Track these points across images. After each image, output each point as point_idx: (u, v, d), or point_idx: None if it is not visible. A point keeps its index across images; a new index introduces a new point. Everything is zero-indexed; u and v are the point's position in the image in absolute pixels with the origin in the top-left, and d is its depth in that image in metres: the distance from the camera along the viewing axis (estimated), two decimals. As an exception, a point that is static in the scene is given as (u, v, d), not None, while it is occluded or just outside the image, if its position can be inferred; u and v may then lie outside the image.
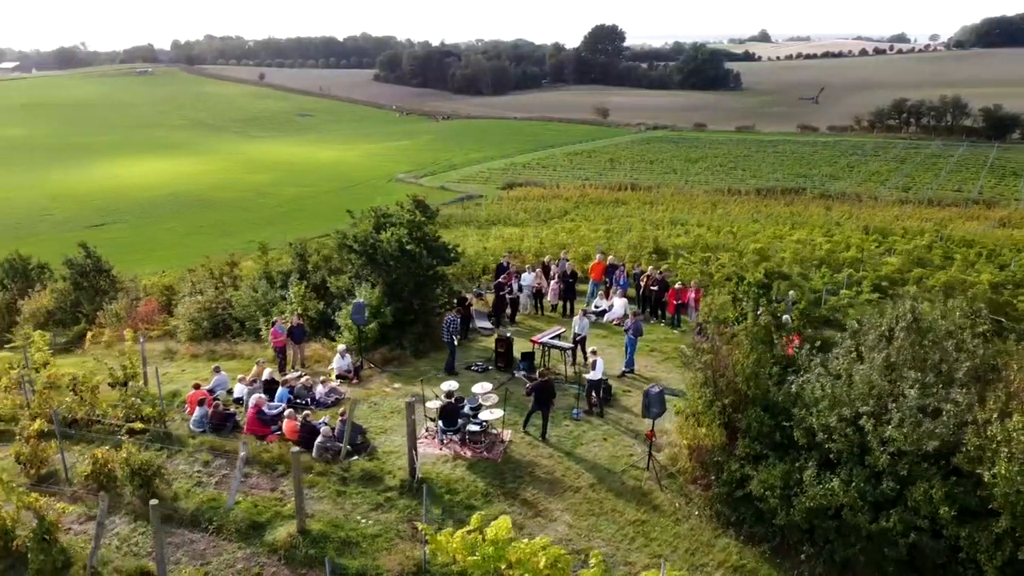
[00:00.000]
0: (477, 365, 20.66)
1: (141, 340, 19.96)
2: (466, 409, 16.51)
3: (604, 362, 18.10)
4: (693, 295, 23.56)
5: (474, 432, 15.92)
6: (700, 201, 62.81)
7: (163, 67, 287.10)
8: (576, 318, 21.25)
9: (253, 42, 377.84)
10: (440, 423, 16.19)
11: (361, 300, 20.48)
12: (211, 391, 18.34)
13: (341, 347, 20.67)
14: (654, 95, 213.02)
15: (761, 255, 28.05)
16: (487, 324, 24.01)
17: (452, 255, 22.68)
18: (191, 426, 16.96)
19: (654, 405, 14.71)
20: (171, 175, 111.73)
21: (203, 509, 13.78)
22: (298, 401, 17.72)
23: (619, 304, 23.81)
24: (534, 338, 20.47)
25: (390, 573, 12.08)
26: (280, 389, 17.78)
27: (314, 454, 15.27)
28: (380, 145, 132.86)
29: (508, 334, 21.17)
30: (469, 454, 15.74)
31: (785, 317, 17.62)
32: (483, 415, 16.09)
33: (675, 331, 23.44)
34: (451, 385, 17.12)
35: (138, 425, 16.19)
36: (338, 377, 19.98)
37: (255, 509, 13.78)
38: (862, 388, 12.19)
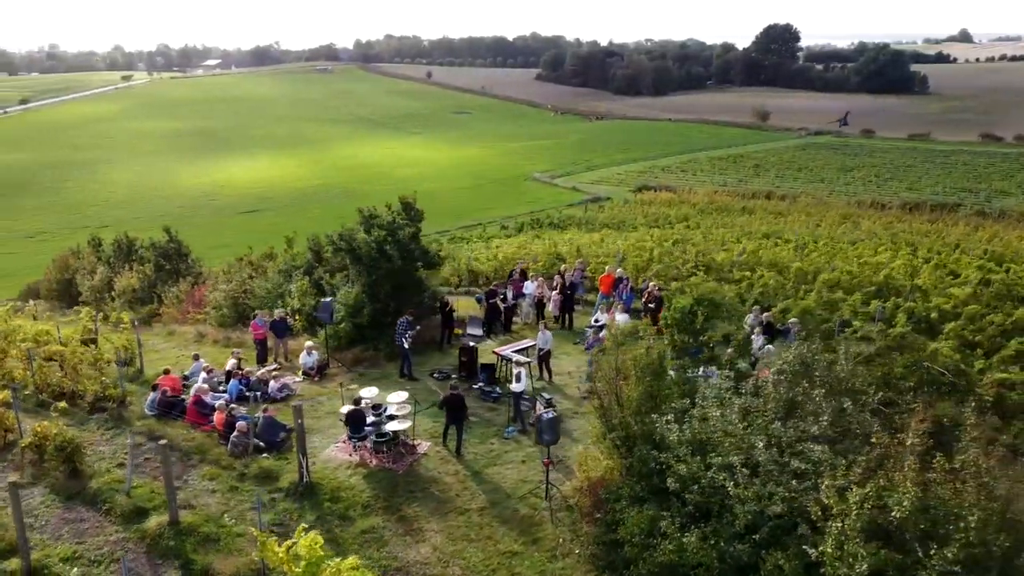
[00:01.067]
0: (440, 372, 19.89)
1: (135, 324, 20.72)
2: (381, 416, 16.00)
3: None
4: None
5: (380, 441, 15.26)
6: (833, 214, 57.70)
7: (342, 65, 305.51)
8: (539, 332, 20.06)
9: (428, 42, 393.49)
10: (347, 429, 15.70)
11: (329, 299, 20.33)
12: (187, 377, 18.70)
13: (308, 344, 20.75)
14: (823, 98, 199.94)
15: (801, 276, 24.86)
16: (478, 331, 23.18)
17: (433, 259, 22.04)
18: (145, 409, 17.33)
19: (545, 432, 13.39)
20: (325, 167, 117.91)
21: (104, 490, 14.01)
22: (249, 394, 17.71)
23: (620, 320, 21.96)
24: (496, 349, 19.46)
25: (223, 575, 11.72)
26: (232, 381, 17.82)
27: (228, 447, 15.13)
28: (525, 144, 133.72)
29: (471, 344, 20.40)
30: (374, 463, 15.17)
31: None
32: (389, 425, 15.44)
33: None
34: (370, 392, 16.61)
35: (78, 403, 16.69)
36: (304, 374, 19.85)
37: (150, 495, 13.90)
38: (717, 434, 10.40)
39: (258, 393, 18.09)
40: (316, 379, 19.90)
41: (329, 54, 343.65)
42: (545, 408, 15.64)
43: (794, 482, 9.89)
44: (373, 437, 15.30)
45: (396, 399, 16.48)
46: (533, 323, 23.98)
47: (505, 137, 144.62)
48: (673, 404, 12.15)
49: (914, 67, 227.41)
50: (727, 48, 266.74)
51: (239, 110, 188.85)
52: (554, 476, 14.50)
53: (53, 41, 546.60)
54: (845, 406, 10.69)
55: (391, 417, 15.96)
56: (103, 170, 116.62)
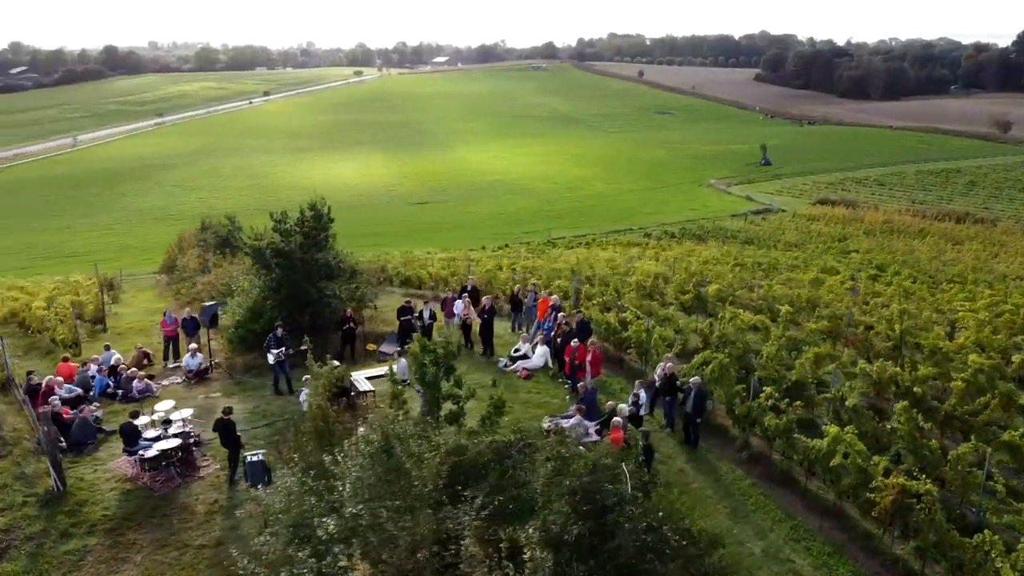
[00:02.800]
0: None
1: (72, 311, 21.13)
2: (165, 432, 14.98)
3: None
4: (589, 356, 17.37)
5: (150, 459, 14.24)
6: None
7: (557, 63, 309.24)
8: (397, 359, 17.95)
9: (650, 40, 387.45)
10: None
11: (212, 303, 19.37)
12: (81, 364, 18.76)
13: (192, 346, 20.24)
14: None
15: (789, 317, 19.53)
16: (389, 349, 21.37)
17: (334, 271, 20.33)
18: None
19: (252, 474, 11.49)
20: (506, 163, 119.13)
21: None
22: (117, 391, 17.29)
23: (538, 353, 18.69)
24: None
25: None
26: (98, 377, 17.45)
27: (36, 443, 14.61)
28: (715, 147, 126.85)
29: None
30: (144, 480, 14.29)
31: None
32: (158, 444, 14.31)
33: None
34: (166, 405, 15.26)
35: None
36: (185, 376, 19.11)
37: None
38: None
39: (120, 391, 17.60)
40: (194, 382, 19.16)
41: (547, 52, 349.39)
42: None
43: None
44: (141, 454, 14.30)
45: (181, 415, 15.19)
46: (464, 346, 21.35)
47: (698, 140, 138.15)
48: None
49: None
50: (980, 48, 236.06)
51: (447, 105, 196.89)
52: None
53: (310, 39, 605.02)
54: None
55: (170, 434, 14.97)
56: (307, 157, 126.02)
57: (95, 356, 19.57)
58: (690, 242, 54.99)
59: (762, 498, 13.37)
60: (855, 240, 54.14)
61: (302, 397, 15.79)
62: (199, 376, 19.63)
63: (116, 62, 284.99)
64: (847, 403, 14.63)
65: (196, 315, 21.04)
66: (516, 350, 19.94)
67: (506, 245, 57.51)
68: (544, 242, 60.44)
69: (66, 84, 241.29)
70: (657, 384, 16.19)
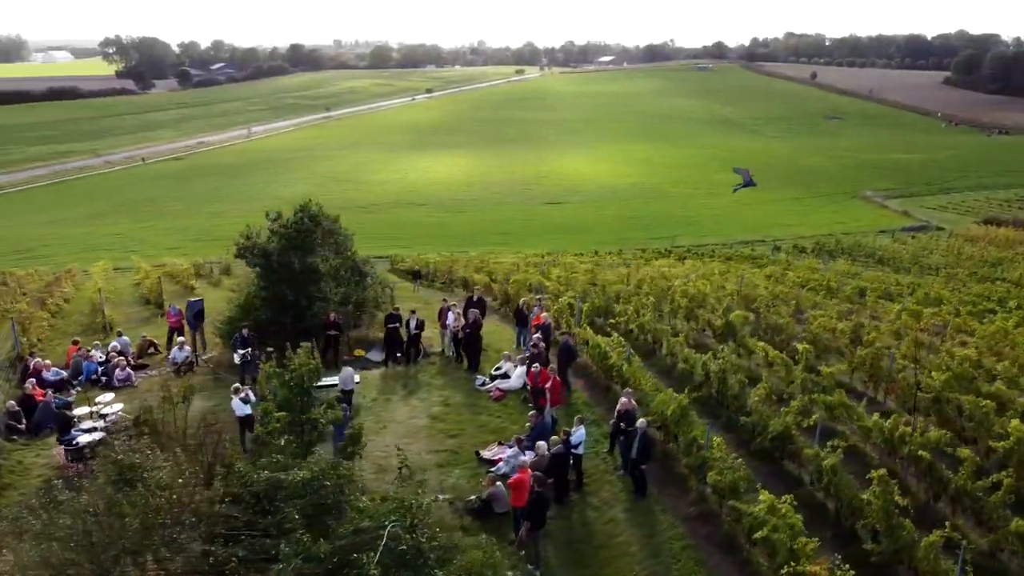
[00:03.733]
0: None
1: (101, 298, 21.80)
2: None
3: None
4: (549, 384, 15.34)
5: (74, 449, 14.06)
6: None
7: (724, 63, 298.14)
8: (344, 368, 16.88)
9: (831, 40, 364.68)
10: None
11: (199, 299, 19.11)
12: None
13: (180, 339, 20.16)
14: None
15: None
16: (376, 356, 20.59)
17: (316, 274, 19.42)
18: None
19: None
20: (650, 165, 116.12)
21: None
22: (102, 378, 17.61)
23: (516, 374, 16.84)
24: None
25: None
26: (85, 363, 17.78)
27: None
28: (880, 156, 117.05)
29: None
30: (71, 470, 13.94)
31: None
32: (82, 437, 14.06)
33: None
34: (106, 397, 15.06)
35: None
36: (176, 367, 19.27)
37: None
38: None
39: (105, 378, 17.85)
40: (182, 374, 19.21)
41: (716, 52, 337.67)
42: None
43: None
44: (65, 445, 14.26)
45: (114, 409, 14.99)
46: (454, 358, 20.52)
47: (865, 148, 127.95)
48: None
49: None
50: None
51: (600, 104, 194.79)
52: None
53: (481, 38, 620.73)
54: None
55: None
56: (453, 153, 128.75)
57: (113, 342, 20.35)
58: (815, 259, 50.62)
59: (692, 564, 11.23)
60: (1013, 266, 47.62)
61: (234, 403, 15.30)
62: (185, 369, 19.77)
63: (299, 59, 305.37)
64: (824, 463, 12.19)
65: (201, 309, 21.34)
66: (497, 368, 18.53)
67: (613, 252, 55.40)
68: (662, 249, 57.82)
69: (253, 79, 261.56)
70: (610, 421, 14.32)
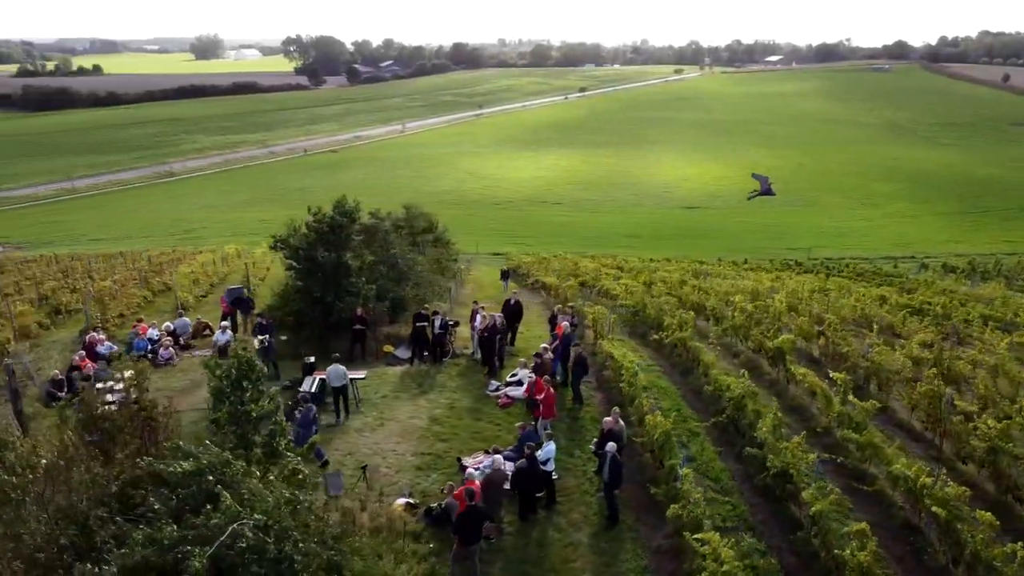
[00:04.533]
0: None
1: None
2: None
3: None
4: (542, 396, 14.02)
5: None
6: None
7: (903, 64, 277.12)
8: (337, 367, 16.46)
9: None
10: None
11: (238, 287, 19.71)
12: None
13: (224, 323, 21.05)
14: None
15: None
16: (402, 354, 20.48)
17: (346, 270, 20.34)
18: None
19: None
20: (801, 171, 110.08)
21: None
22: (149, 355, 18.74)
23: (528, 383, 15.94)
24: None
25: None
26: (136, 340, 18.94)
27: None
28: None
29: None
30: None
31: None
32: None
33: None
34: (126, 374, 15.73)
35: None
36: (219, 349, 20.25)
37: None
38: None
39: (152, 355, 18.89)
40: (226, 356, 19.89)
41: (896, 52, 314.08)
42: None
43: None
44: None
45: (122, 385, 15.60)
46: (480, 361, 20.19)
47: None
48: None
49: None
50: None
51: (760, 106, 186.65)
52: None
53: (644, 37, 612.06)
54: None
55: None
56: (598, 153, 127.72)
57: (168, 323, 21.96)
58: (961, 280, 45.89)
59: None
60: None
61: (304, 386, 16.26)
62: (223, 352, 20.65)
63: (460, 57, 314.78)
64: (812, 508, 10.84)
65: (250, 297, 22.43)
66: (513, 375, 17.94)
67: (738, 261, 52.78)
68: (791, 260, 54.52)
69: (416, 76, 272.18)
70: (595, 440, 13.41)
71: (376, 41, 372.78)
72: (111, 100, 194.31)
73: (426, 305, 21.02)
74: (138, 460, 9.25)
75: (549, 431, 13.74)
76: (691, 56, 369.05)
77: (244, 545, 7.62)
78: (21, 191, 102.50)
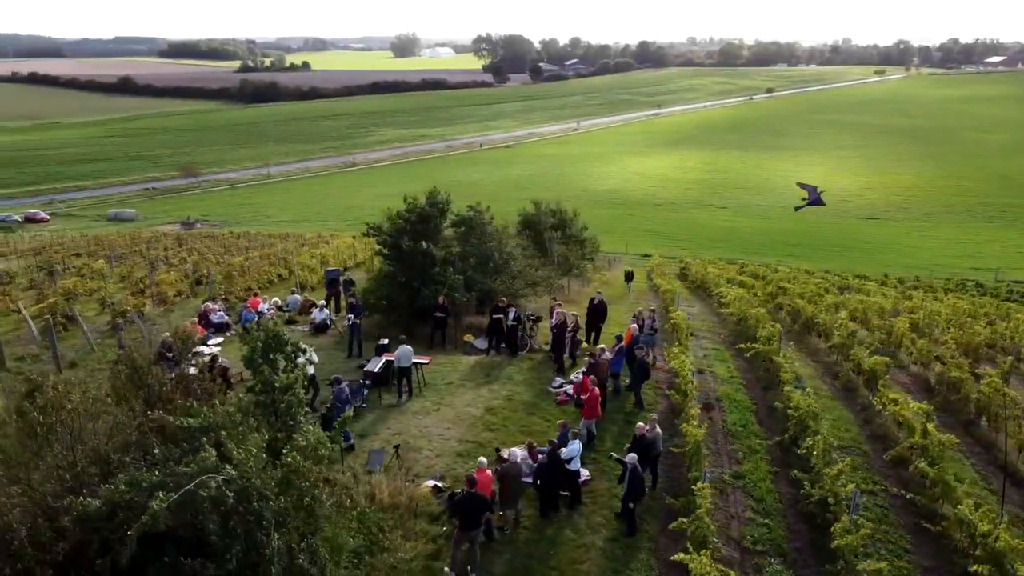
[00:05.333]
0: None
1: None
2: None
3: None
4: (587, 396, 13.61)
5: None
6: None
7: None
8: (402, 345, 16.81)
9: None
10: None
11: (335, 269, 20.77)
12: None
13: (321, 302, 22.36)
14: None
15: None
16: (480, 345, 20.90)
17: (431, 259, 21.39)
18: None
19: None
20: (1011, 183, 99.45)
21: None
22: (245, 324, 20.32)
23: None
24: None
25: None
26: (244, 313, 20.82)
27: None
28: None
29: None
30: None
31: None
32: None
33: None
34: (216, 339, 17.27)
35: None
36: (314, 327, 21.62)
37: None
38: None
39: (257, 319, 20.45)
40: (324, 333, 21.79)
41: None
42: None
43: None
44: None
45: (211, 351, 16.79)
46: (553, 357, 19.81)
47: None
48: None
49: None
50: None
51: (966, 112, 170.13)
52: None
53: (847, 35, 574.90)
54: None
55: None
56: (775, 156, 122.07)
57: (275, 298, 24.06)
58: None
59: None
60: None
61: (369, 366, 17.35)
62: (319, 328, 21.97)
63: (645, 56, 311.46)
64: (836, 542, 9.92)
65: (351, 277, 23.68)
66: (577, 374, 17.55)
67: (908, 279, 48.48)
68: (972, 282, 49.29)
69: (597, 75, 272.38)
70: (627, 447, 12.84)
71: (563, 40, 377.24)
72: (313, 94, 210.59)
73: (502, 298, 21.24)
74: (149, 413, 10.21)
75: (576, 430, 13.47)
76: (898, 56, 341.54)
77: (205, 495, 8.23)
78: (225, 175, 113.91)
